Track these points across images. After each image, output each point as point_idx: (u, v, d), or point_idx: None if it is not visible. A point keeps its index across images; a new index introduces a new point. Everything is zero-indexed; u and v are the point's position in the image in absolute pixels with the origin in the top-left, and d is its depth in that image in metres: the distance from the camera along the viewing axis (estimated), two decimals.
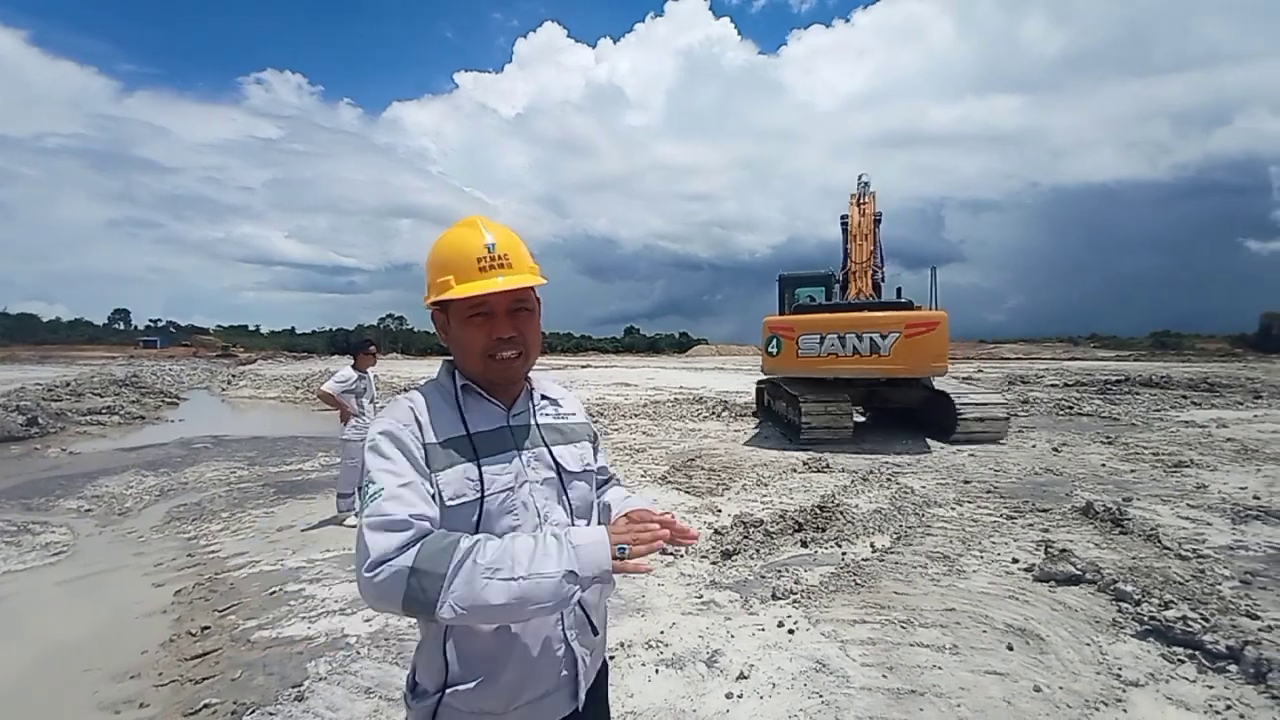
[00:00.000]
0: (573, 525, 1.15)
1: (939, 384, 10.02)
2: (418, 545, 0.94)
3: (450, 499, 1.05)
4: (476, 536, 0.98)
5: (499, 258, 1.10)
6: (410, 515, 0.96)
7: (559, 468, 1.18)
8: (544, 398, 1.26)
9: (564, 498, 1.17)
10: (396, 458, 1.03)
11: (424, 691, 1.11)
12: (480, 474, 1.08)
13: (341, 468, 5.61)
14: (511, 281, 1.09)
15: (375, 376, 5.94)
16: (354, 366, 5.69)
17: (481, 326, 1.11)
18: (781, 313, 11.14)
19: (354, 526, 5.35)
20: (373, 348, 5.93)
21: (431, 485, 1.04)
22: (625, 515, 1.11)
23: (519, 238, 1.17)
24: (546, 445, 1.19)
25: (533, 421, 1.20)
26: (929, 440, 9.25)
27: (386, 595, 0.92)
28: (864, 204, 11.87)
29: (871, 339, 8.79)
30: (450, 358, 1.21)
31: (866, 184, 12.28)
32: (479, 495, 1.07)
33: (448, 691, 1.07)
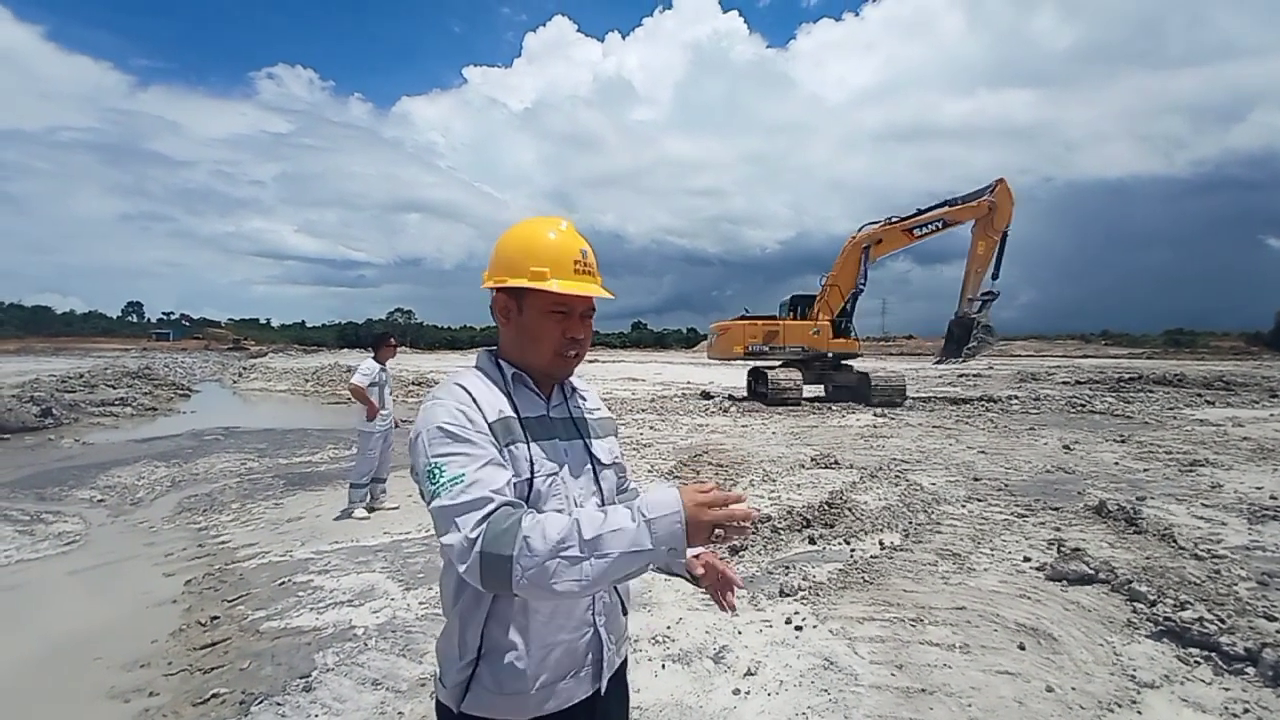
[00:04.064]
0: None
1: (863, 368, 15.64)
2: (485, 527, 0.95)
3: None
4: (538, 516, 0.99)
5: (590, 265, 1.20)
6: (486, 494, 0.99)
7: (593, 459, 1.23)
8: (574, 390, 1.31)
9: (598, 488, 1.22)
10: (465, 438, 1.05)
11: (453, 670, 1.13)
12: (531, 455, 1.11)
13: (358, 458, 5.65)
14: (603, 291, 1.20)
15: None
16: (375, 359, 5.78)
17: (560, 323, 1.17)
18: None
19: (363, 519, 5.40)
20: (392, 340, 6.09)
21: (502, 457, 1.08)
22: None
23: None
24: (582, 437, 1.24)
25: (569, 414, 1.25)
26: (854, 405, 13.88)
27: (473, 578, 0.96)
28: (857, 235, 15.14)
29: (714, 335, 15.78)
30: (491, 348, 1.26)
31: (894, 217, 15.23)
32: (529, 476, 1.10)
33: (478, 670, 1.10)
